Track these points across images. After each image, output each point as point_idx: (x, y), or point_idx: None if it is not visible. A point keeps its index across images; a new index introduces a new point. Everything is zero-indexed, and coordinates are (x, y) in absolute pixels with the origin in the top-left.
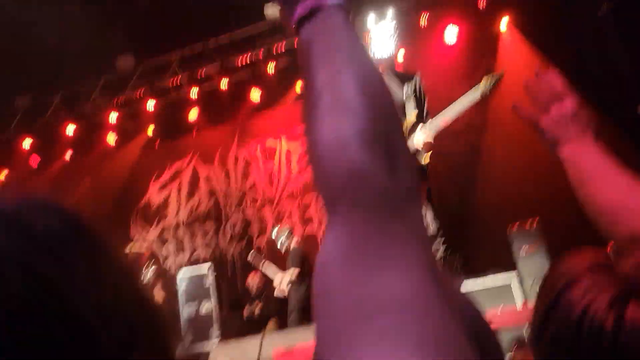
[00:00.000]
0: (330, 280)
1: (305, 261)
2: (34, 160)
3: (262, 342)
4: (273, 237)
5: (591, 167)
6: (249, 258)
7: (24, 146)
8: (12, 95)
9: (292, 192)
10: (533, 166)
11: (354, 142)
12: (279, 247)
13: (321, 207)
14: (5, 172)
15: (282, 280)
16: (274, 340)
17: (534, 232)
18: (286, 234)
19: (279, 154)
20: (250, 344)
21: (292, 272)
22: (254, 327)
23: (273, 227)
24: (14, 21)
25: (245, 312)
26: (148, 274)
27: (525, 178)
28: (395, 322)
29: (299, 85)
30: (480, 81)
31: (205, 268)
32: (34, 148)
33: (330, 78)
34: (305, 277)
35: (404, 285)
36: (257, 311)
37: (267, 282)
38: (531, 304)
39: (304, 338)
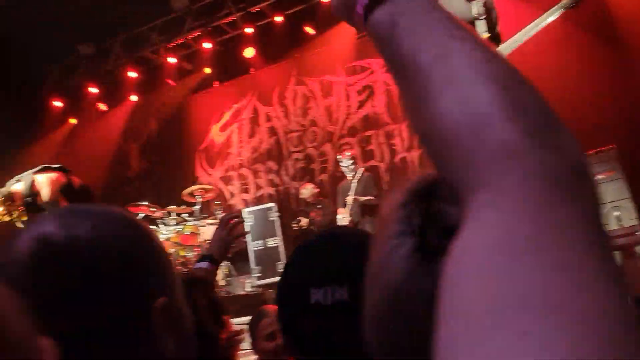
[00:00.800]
0: (472, 269)
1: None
2: (101, 105)
3: None
4: (340, 164)
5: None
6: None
7: (90, 92)
8: (76, 43)
9: (352, 126)
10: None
11: (495, 115)
12: (347, 173)
13: (424, 168)
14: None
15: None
16: None
17: (611, 158)
18: (352, 161)
19: (338, 88)
20: None
21: (364, 199)
22: None
23: (337, 155)
24: None
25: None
26: (217, 212)
27: (603, 106)
28: (557, 323)
29: None
30: None
31: (269, 205)
32: (100, 93)
33: (440, 50)
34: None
35: (572, 284)
36: (304, 224)
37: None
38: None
39: None
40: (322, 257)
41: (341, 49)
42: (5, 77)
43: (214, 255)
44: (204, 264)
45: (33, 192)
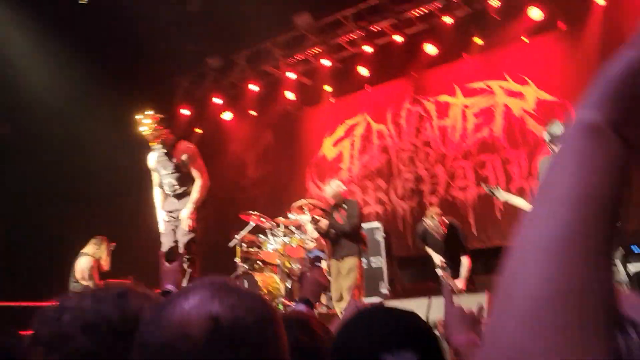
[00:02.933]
0: None
1: None
2: (224, 115)
3: (429, 305)
4: (486, 190)
5: None
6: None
7: (215, 102)
8: (205, 56)
9: (466, 149)
10: None
11: None
12: (500, 199)
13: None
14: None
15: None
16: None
17: None
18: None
19: (454, 109)
20: (416, 305)
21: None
22: (420, 289)
23: (480, 181)
24: None
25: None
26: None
27: None
28: None
29: (477, 38)
30: None
31: (376, 223)
32: (223, 104)
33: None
34: None
35: None
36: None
37: None
38: None
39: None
40: (390, 322)
41: (460, 69)
42: (139, 86)
43: (310, 298)
44: (302, 307)
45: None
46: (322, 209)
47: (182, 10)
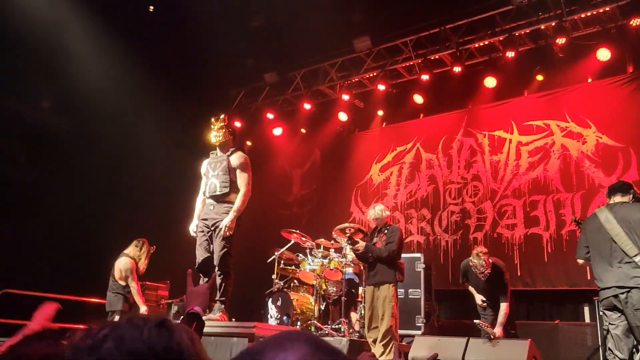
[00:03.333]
0: None
1: None
2: (275, 131)
3: (467, 345)
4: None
5: None
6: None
7: (267, 117)
8: (263, 71)
9: (517, 187)
10: None
11: None
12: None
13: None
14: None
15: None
16: (480, 347)
17: None
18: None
19: (508, 146)
20: (451, 344)
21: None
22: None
23: (573, 217)
24: (269, 3)
25: None
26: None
27: None
28: None
29: (539, 75)
30: None
31: (417, 255)
32: (275, 119)
33: None
34: None
35: None
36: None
37: None
38: None
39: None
40: None
41: (519, 105)
42: (196, 94)
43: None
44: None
45: None
46: (361, 231)
47: (245, 25)
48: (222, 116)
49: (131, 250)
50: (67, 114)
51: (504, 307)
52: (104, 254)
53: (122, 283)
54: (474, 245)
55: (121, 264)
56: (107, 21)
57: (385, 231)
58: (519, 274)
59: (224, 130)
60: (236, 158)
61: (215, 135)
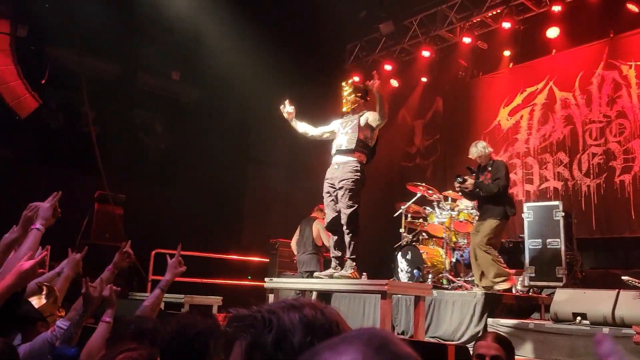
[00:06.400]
0: None
1: None
2: (393, 81)
3: (617, 299)
4: None
5: None
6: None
7: (385, 69)
8: (377, 22)
9: None
10: None
11: None
12: None
13: None
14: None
15: None
16: (632, 302)
17: None
18: None
19: None
20: (599, 297)
21: None
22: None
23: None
24: None
25: None
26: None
27: None
28: None
29: None
30: None
31: (555, 203)
32: (393, 70)
33: None
34: None
35: None
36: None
37: None
38: None
39: None
40: None
41: None
42: (312, 51)
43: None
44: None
45: None
46: (468, 169)
47: None
48: (349, 81)
49: (318, 213)
50: (197, 86)
51: None
52: (240, 214)
53: (319, 244)
54: (620, 190)
55: (316, 229)
56: None
57: (489, 168)
58: None
59: (352, 95)
60: (365, 116)
61: (345, 102)
